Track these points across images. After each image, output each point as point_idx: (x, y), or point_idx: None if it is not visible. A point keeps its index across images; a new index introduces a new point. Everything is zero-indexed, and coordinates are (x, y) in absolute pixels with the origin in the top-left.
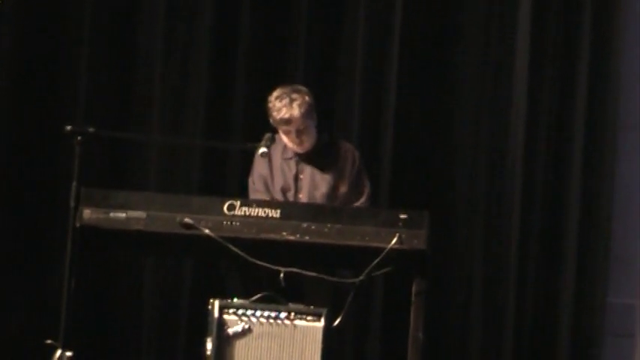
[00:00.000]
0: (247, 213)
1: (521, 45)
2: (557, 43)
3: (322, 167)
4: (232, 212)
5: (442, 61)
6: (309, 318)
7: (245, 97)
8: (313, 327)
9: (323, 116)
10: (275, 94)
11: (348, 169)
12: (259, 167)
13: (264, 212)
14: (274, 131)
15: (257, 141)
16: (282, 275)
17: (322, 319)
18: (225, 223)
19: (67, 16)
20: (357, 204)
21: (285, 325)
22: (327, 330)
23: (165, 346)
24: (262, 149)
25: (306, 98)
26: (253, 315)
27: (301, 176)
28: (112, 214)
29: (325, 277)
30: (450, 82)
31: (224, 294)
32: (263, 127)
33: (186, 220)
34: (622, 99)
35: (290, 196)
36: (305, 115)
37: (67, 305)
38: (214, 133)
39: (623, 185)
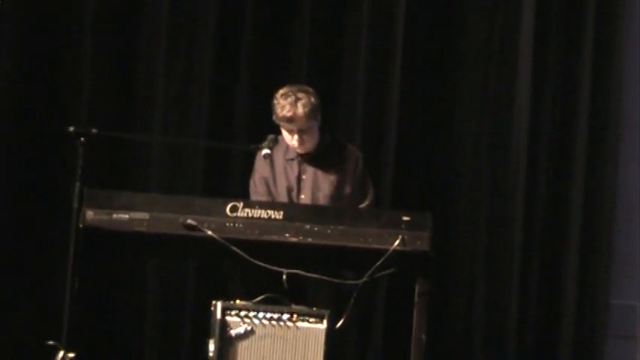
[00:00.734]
0: (250, 214)
1: (524, 45)
2: (560, 42)
3: (325, 168)
4: (235, 214)
5: (445, 63)
6: (311, 319)
7: (248, 98)
8: (316, 328)
9: (326, 118)
10: (281, 91)
11: (351, 170)
12: (260, 169)
13: (267, 214)
14: (277, 132)
15: (260, 142)
16: (284, 277)
17: (325, 321)
18: (228, 224)
19: (70, 17)
20: (361, 206)
21: (288, 326)
22: (330, 331)
23: (169, 347)
24: (265, 151)
25: (312, 99)
26: (256, 316)
27: (304, 177)
28: (114, 216)
29: (328, 278)
30: (452, 84)
31: (227, 295)
32: (266, 128)
33: (189, 221)
34: (625, 99)
35: (293, 196)
36: (309, 115)
37: (69, 306)
38: (217, 134)
39: (626, 186)
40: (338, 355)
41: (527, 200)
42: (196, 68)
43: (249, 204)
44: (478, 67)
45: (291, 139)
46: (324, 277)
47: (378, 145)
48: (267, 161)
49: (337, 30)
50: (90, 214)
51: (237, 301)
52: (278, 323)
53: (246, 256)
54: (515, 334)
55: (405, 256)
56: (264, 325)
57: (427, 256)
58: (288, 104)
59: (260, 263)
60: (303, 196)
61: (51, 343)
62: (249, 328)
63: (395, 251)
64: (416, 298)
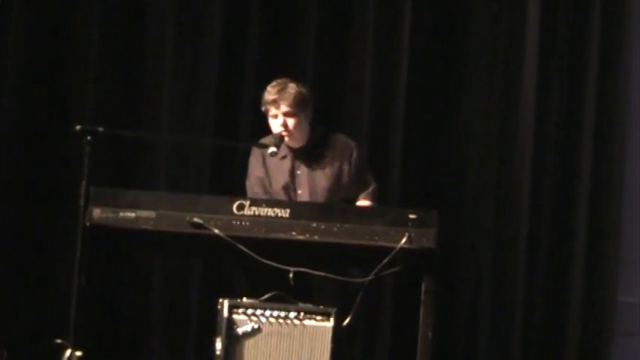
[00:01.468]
0: (256, 212)
1: (531, 42)
2: (566, 40)
3: (319, 161)
4: (241, 212)
5: (451, 59)
6: (318, 318)
7: (254, 96)
8: (322, 327)
9: (332, 116)
10: (272, 83)
11: (347, 160)
12: (255, 169)
13: (274, 212)
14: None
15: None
16: (291, 275)
17: (331, 319)
18: (234, 222)
19: (76, 15)
20: (363, 195)
21: (295, 324)
22: (337, 329)
23: (175, 346)
24: (272, 149)
25: (301, 89)
26: (263, 314)
27: (298, 172)
28: (121, 214)
29: (334, 276)
30: (458, 82)
31: (233, 293)
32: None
33: (196, 219)
34: (631, 97)
35: (290, 193)
36: (295, 101)
37: (76, 305)
38: (224, 131)
39: (633, 184)
40: (345, 353)
41: (534, 198)
42: (203, 66)
43: (256, 202)
44: (484, 65)
45: (276, 126)
46: (331, 275)
47: (384, 144)
48: (260, 161)
49: (343, 28)
50: (96, 212)
51: (244, 299)
52: (285, 321)
53: (253, 254)
54: (522, 331)
55: (411, 254)
56: (270, 323)
57: (433, 253)
58: (274, 89)
59: (266, 261)
60: (300, 192)
61: (58, 341)
62: (255, 326)
63: (401, 249)
64: (422, 296)
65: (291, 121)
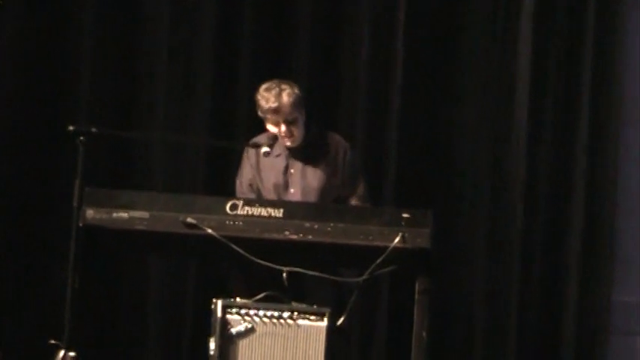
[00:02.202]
0: (250, 212)
1: (525, 41)
2: (561, 37)
3: (313, 161)
4: (235, 212)
5: (446, 57)
6: (312, 317)
7: (249, 95)
8: (317, 326)
9: (327, 115)
10: (264, 86)
11: (340, 160)
12: (245, 171)
13: (267, 212)
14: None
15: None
16: (285, 275)
17: (326, 319)
18: (228, 222)
19: (70, 14)
20: (352, 200)
21: (289, 324)
22: (331, 329)
23: (170, 346)
24: (265, 149)
25: (295, 90)
26: (256, 314)
27: (291, 171)
28: (115, 214)
29: (328, 276)
30: (453, 81)
31: (227, 293)
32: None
33: (189, 219)
34: (625, 96)
35: (282, 191)
36: (294, 105)
37: (70, 305)
38: (219, 131)
39: (627, 182)
40: (340, 353)
41: (528, 198)
42: (197, 67)
43: (249, 202)
44: (478, 64)
45: (278, 132)
46: (325, 275)
47: (379, 144)
48: (254, 160)
49: (338, 26)
50: (90, 213)
51: (238, 299)
52: (279, 321)
53: (247, 255)
54: (517, 331)
55: (405, 254)
56: (264, 323)
57: (427, 253)
58: (272, 96)
59: (260, 261)
60: (292, 190)
61: (52, 342)
62: (249, 326)
63: (395, 249)
64: (417, 295)
65: (292, 127)
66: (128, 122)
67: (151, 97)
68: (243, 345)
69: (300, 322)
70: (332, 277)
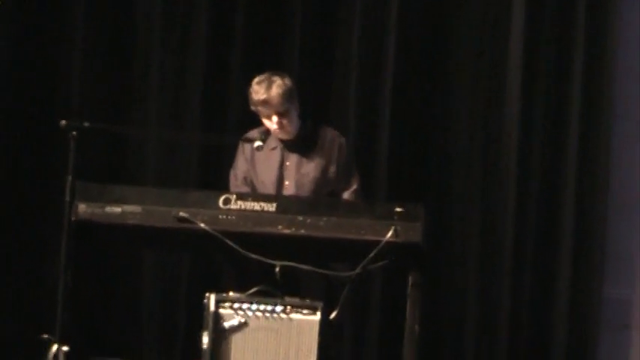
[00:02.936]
0: (243, 207)
1: (516, 34)
2: (552, 31)
3: (308, 154)
4: (228, 206)
5: (438, 53)
6: (305, 311)
7: (242, 90)
8: (309, 320)
9: (319, 110)
10: (256, 79)
11: (335, 154)
12: (240, 164)
13: (260, 206)
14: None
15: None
16: (277, 269)
17: (318, 313)
18: (220, 216)
19: (62, 10)
20: (346, 194)
21: (282, 318)
22: (324, 323)
23: (163, 340)
24: (257, 143)
25: (286, 81)
26: (249, 309)
27: (287, 163)
28: (107, 209)
29: (321, 270)
30: (445, 74)
31: (220, 288)
32: (259, 121)
33: (182, 214)
34: (618, 90)
35: (277, 184)
36: (284, 97)
37: (62, 300)
38: (211, 126)
39: (619, 176)
40: (332, 347)
41: (520, 192)
42: (190, 61)
43: (242, 196)
44: (470, 58)
45: (271, 125)
46: (318, 269)
47: (371, 137)
48: (248, 153)
49: (330, 19)
50: (82, 208)
51: (231, 294)
52: (272, 315)
53: (239, 249)
54: (509, 325)
55: (397, 248)
56: (257, 317)
57: (419, 247)
58: (262, 88)
59: (253, 255)
60: (287, 183)
61: (44, 336)
62: (242, 320)
63: (388, 243)
64: (409, 290)
65: (284, 119)
66: (120, 117)
67: (144, 92)
68: (236, 339)
69: (293, 316)
70: (325, 272)
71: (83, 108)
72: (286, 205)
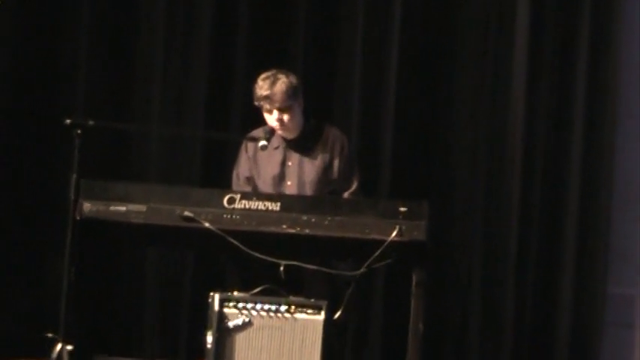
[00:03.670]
0: (247, 206)
1: (521, 32)
2: (557, 30)
3: (310, 153)
4: (232, 205)
5: (442, 50)
6: (309, 311)
7: (245, 88)
8: (314, 320)
9: (322, 109)
10: (262, 75)
11: (337, 154)
12: (243, 162)
13: (264, 205)
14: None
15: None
16: (282, 268)
17: (323, 312)
18: (225, 216)
19: (67, 8)
20: (346, 194)
21: (286, 317)
22: (328, 323)
23: (166, 339)
24: (262, 142)
25: (291, 79)
26: (253, 308)
27: (289, 163)
28: (112, 207)
29: (325, 269)
30: (448, 73)
31: (224, 287)
32: (263, 118)
33: (186, 213)
34: (622, 89)
35: (279, 183)
36: (287, 94)
37: (67, 298)
38: (214, 125)
39: (623, 174)
40: (336, 346)
41: (524, 189)
42: (193, 59)
43: (247, 196)
44: (474, 57)
45: (272, 121)
46: (322, 268)
47: (375, 136)
48: (250, 154)
49: (334, 17)
50: (87, 206)
51: (235, 293)
52: (276, 315)
53: (244, 248)
54: (513, 322)
55: (402, 246)
56: (261, 316)
57: (424, 245)
58: (266, 84)
59: (257, 255)
60: (289, 183)
61: (49, 335)
62: (246, 319)
63: (392, 241)
64: (413, 288)
65: (286, 116)
66: (125, 115)
67: (148, 90)
68: (240, 338)
69: (297, 315)
70: (329, 271)
71: (87, 106)
72: (290, 204)
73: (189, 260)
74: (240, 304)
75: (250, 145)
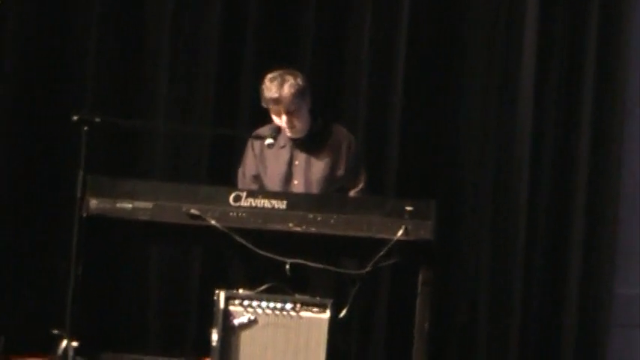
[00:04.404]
0: (253, 204)
1: (529, 31)
2: (565, 29)
3: (317, 152)
4: (238, 203)
5: (450, 48)
6: (314, 309)
7: (253, 85)
8: (319, 318)
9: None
10: (269, 75)
11: (344, 153)
12: (249, 161)
13: (271, 203)
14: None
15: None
16: (287, 266)
17: (328, 310)
18: (231, 213)
19: (75, 5)
20: (352, 193)
21: (291, 316)
22: (333, 321)
23: (172, 337)
24: (269, 140)
25: (299, 80)
26: (259, 306)
27: (296, 162)
28: (118, 204)
29: (331, 268)
30: (457, 71)
31: (230, 285)
32: (270, 118)
33: (193, 210)
34: (629, 88)
35: (285, 182)
36: (295, 96)
37: (73, 295)
38: (222, 122)
39: (630, 176)
40: (341, 345)
41: (532, 189)
42: (201, 56)
43: (253, 193)
44: (483, 58)
45: (280, 122)
46: (328, 267)
47: (382, 134)
48: (257, 152)
49: (341, 16)
50: (93, 203)
51: (241, 291)
52: (281, 313)
53: (250, 246)
54: (519, 322)
55: (408, 246)
56: (267, 314)
57: (430, 245)
58: (274, 86)
59: (263, 253)
60: (296, 182)
61: (55, 331)
62: (252, 317)
63: (398, 241)
64: (419, 287)
65: (294, 118)
66: (132, 112)
67: (155, 87)
68: (245, 336)
69: (303, 313)
70: (335, 269)
71: (95, 103)
72: (297, 202)
73: (196, 258)
74: (246, 302)
75: (257, 143)
